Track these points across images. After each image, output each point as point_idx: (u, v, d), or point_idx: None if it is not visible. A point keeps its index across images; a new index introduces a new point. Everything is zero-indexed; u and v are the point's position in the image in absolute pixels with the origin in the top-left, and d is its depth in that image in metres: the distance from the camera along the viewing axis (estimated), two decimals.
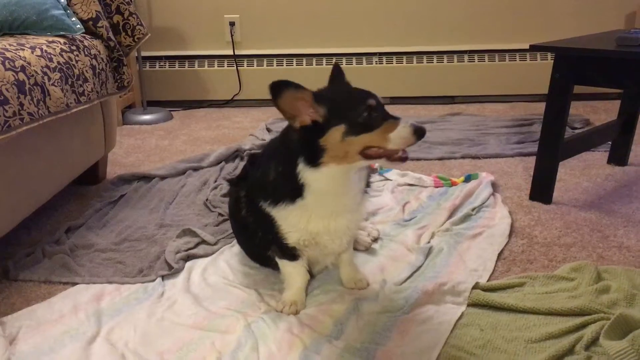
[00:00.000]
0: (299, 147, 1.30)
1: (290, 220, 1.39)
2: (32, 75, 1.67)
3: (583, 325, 1.34)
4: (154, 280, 1.63)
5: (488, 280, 1.59)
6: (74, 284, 1.63)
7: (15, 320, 1.46)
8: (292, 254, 1.47)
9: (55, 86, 1.79)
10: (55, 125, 1.88)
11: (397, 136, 1.25)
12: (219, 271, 1.68)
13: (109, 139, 2.41)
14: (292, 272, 1.50)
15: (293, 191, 1.34)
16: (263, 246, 1.52)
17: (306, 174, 1.30)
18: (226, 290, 1.58)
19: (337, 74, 1.43)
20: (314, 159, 1.28)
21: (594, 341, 1.29)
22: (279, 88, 1.21)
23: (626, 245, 1.78)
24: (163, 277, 1.65)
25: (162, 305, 1.51)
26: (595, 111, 3.48)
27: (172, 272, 1.67)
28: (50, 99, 1.74)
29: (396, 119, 1.27)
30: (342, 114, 1.25)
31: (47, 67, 1.77)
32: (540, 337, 1.32)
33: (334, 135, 1.25)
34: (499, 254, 1.73)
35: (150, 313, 1.48)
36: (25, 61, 1.67)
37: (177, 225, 1.98)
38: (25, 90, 1.62)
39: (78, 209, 2.16)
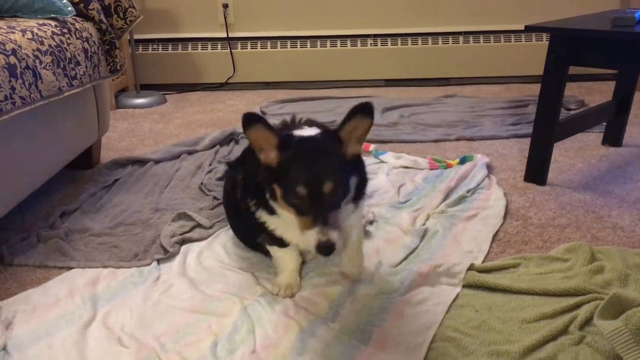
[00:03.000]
0: (264, 180, 1.25)
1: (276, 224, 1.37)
2: (24, 59, 1.65)
3: (577, 306, 1.35)
4: (149, 264, 1.63)
5: (483, 262, 1.60)
6: (70, 268, 1.63)
7: (10, 305, 1.46)
8: (281, 242, 1.43)
9: (47, 70, 1.77)
10: (47, 109, 1.87)
11: (305, 237, 1.18)
12: (215, 255, 1.68)
13: (103, 123, 2.39)
14: (283, 256, 1.48)
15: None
16: (254, 232, 1.50)
17: (263, 214, 1.30)
18: (222, 273, 1.58)
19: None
20: (269, 203, 1.27)
21: (587, 321, 1.30)
22: (249, 122, 1.17)
23: (620, 225, 1.79)
24: (159, 261, 1.65)
25: (158, 289, 1.52)
26: (590, 92, 3.47)
27: (167, 256, 1.67)
28: (42, 82, 1.73)
29: (316, 220, 1.15)
30: (283, 178, 1.19)
31: (39, 50, 1.75)
32: (534, 318, 1.33)
33: (278, 190, 1.22)
34: (494, 236, 1.74)
35: (146, 297, 1.48)
36: (16, 44, 1.65)
37: (172, 209, 1.97)
38: (16, 74, 1.60)
39: (72, 194, 2.15)
